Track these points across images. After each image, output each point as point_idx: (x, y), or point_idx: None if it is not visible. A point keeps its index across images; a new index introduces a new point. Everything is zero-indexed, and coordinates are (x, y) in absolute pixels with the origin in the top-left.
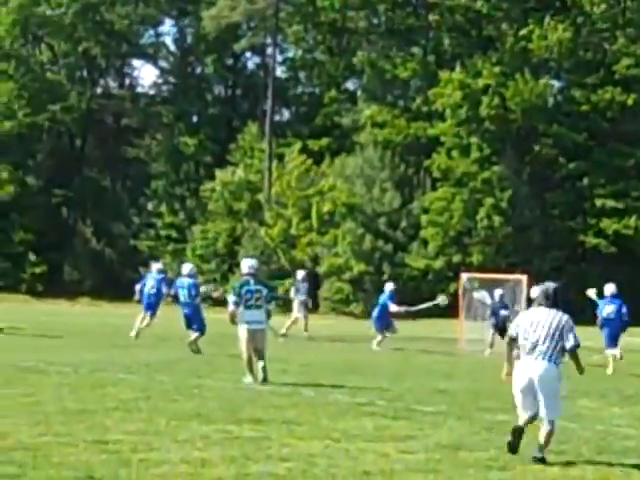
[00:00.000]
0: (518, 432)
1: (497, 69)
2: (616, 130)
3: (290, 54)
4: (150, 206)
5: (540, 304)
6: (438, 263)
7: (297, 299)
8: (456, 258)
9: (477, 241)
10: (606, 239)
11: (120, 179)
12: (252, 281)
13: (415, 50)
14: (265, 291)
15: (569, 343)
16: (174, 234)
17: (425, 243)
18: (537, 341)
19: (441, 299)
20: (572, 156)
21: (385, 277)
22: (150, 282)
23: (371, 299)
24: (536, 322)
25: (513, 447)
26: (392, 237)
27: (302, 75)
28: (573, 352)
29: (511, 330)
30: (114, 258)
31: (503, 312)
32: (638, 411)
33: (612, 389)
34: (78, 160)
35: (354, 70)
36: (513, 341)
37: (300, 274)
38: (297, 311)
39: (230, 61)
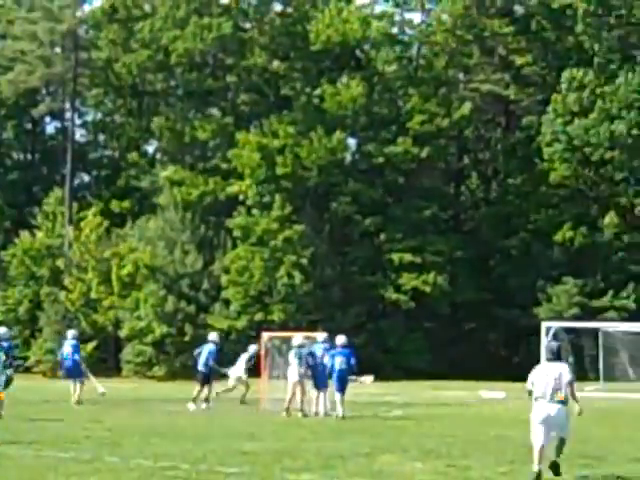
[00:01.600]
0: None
1: (292, 128)
2: (412, 184)
3: (89, 118)
4: None
5: (548, 359)
6: (240, 323)
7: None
8: (258, 317)
9: (278, 299)
10: (405, 294)
11: None
12: None
13: (213, 111)
14: (3, 357)
15: (566, 379)
16: None
17: (227, 303)
18: (547, 387)
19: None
20: (369, 212)
21: (187, 339)
22: (67, 348)
23: (173, 361)
24: (545, 373)
25: None
26: (194, 298)
27: (102, 138)
28: (571, 384)
29: (528, 383)
30: None
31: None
32: (440, 465)
33: (413, 444)
34: None
35: (153, 132)
36: (530, 391)
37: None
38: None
39: (29, 126)
